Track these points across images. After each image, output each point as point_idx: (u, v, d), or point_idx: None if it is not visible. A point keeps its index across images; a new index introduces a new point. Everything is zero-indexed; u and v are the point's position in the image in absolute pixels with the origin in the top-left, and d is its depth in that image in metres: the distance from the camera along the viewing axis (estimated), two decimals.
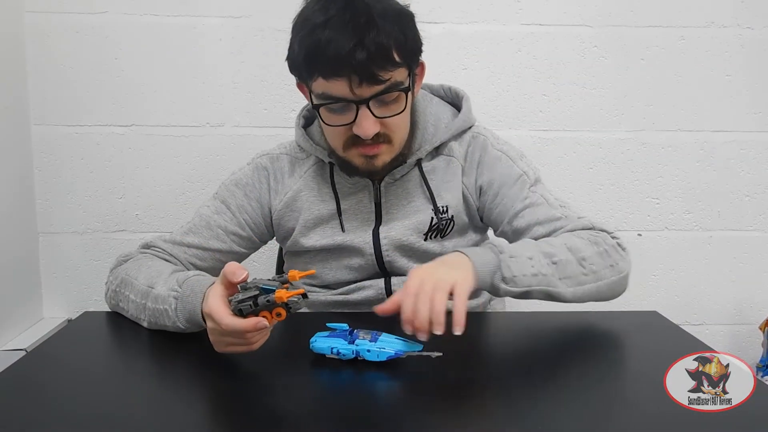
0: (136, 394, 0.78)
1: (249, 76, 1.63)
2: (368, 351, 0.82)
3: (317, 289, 1.14)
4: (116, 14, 1.58)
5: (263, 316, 0.77)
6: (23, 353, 1.16)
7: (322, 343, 0.84)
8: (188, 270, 1.05)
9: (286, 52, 1.70)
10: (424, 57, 1.61)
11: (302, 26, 0.96)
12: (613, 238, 1.04)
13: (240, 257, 1.15)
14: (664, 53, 1.67)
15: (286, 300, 0.75)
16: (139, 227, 1.66)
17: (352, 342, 0.83)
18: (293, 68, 1.01)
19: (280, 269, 1.39)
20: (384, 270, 1.12)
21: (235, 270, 0.79)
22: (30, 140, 1.61)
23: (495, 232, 1.14)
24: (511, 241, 1.10)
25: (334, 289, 1.14)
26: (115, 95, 1.61)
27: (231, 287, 0.81)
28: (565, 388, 0.80)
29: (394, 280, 1.12)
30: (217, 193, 1.15)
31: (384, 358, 0.82)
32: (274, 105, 1.64)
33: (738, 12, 1.66)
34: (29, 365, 0.87)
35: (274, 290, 0.76)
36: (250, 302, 0.76)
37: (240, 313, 0.77)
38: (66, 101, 1.61)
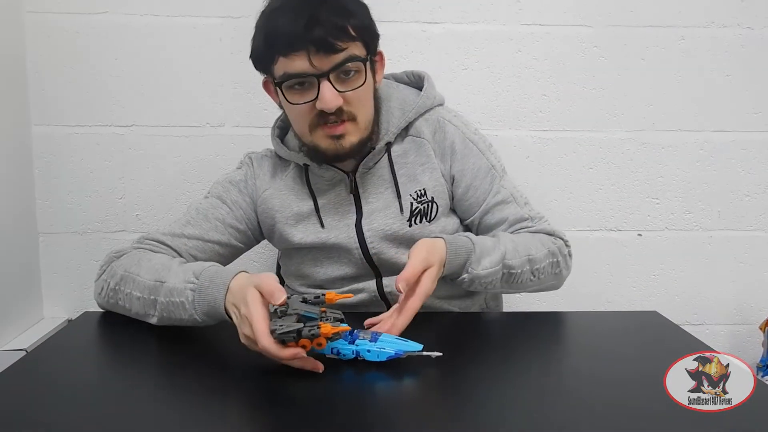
0: (136, 395, 0.78)
1: (249, 76, 1.60)
2: (368, 351, 0.82)
3: (311, 290, 1.15)
4: (116, 14, 1.58)
5: (302, 345, 0.76)
6: (23, 353, 1.16)
7: None
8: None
9: None
10: (427, 56, 1.62)
11: (261, 17, 1.02)
12: (566, 246, 1.15)
13: (238, 252, 1.17)
14: (664, 53, 1.67)
15: (330, 335, 0.76)
16: (140, 227, 1.66)
17: (352, 342, 0.83)
18: (257, 62, 1.05)
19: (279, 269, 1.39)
20: (372, 264, 1.12)
21: (274, 291, 0.78)
22: (30, 140, 1.61)
23: (463, 221, 1.17)
24: (477, 232, 1.15)
25: (328, 288, 1.14)
26: (116, 95, 1.61)
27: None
28: (564, 387, 0.80)
29: (385, 281, 1.12)
30: (210, 192, 1.17)
31: (384, 359, 0.82)
32: (273, 105, 1.63)
33: (738, 12, 1.66)
34: (29, 365, 0.87)
35: (315, 318, 0.76)
36: (294, 334, 0.75)
37: (282, 342, 0.76)
38: (66, 101, 1.61)
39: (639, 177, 1.72)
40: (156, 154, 1.64)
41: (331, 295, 0.79)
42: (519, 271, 1.05)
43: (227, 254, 1.15)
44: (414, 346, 0.83)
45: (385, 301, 1.13)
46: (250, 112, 1.64)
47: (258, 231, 1.18)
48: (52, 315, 1.67)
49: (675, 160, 1.71)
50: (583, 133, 1.69)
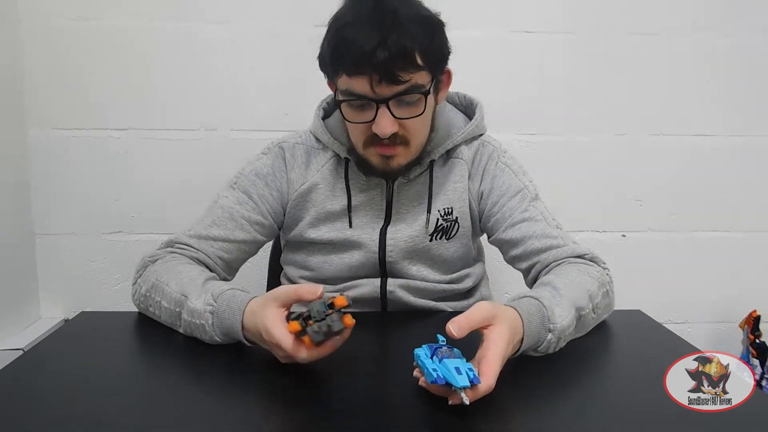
0: (132, 395, 0.78)
1: (244, 79, 1.64)
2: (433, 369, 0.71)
3: (313, 284, 1.15)
4: (113, 18, 1.60)
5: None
6: (20, 353, 1.16)
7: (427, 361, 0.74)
8: (216, 264, 1.08)
9: (281, 56, 1.71)
10: None
11: (333, 24, 0.98)
12: (605, 270, 1.05)
13: (260, 246, 1.17)
14: (648, 59, 1.70)
15: (349, 327, 0.78)
16: (135, 229, 1.68)
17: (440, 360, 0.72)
18: (322, 65, 1.03)
19: (273, 264, 1.40)
20: (383, 269, 1.13)
21: (311, 288, 0.80)
22: (27, 143, 1.63)
23: (489, 238, 1.17)
24: (503, 250, 1.13)
25: (331, 284, 1.14)
26: (112, 99, 1.63)
27: (289, 305, 0.83)
28: (555, 386, 0.81)
29: (390, 281, 1.13)
30: (236, 183, 1.13)
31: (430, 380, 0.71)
32: (269, 108, 1.66)
33: (721, 19, 1.69)
34: (26, 365, 0.87)
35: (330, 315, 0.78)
36: (322, 336, 0.77)
37: (314, 337, 0.77)
38: (63, 104, 1.62)
39: (623, 179, 1.75)
40: (152, 157, 1.66)
41: (342, 300, 0.78)
42: (586, 312, 0.93)
43: (252, 250, 1.15)
44: (459, 381, 0.69)
45: (383, 301, 1.14)
46: (245, 116, 1.65)
47: (282, 222, 1.17)
48: (49, 315, 1.69)
49: (658, 163, 1.74)
50: (570, 136, 1.72)
